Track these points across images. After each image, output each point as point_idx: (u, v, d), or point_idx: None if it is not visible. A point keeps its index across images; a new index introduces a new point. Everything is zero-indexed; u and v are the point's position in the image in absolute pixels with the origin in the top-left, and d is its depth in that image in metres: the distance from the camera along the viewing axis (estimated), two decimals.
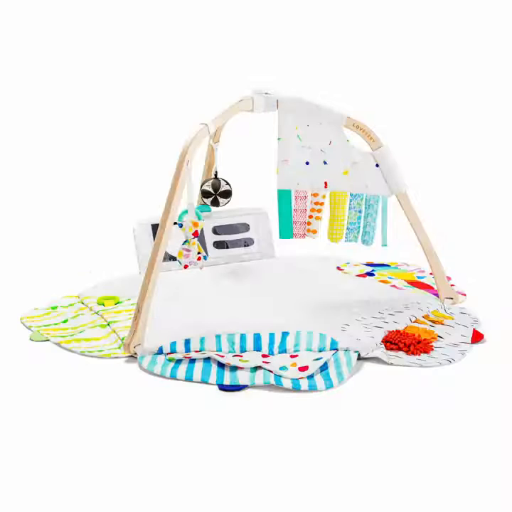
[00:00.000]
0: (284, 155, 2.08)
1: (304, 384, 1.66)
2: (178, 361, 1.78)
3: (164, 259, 2.20)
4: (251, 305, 2.08)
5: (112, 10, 3.30)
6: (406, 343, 1.83)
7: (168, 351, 1.81)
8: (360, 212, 2.06)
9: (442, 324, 1.97)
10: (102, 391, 1.68)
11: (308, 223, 2.10)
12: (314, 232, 2.11)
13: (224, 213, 2.48)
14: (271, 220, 2.51)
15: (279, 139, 2.06)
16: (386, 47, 3.27)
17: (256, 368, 1.73)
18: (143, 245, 2.36)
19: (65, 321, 2.04)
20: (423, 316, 2.01)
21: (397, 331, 1.88)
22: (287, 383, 1.65)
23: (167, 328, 1.88)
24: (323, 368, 1.73)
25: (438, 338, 1.89)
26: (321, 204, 2.09)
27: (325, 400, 1.62)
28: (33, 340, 1.93)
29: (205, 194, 2.36)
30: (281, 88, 2.06)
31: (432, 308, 2.05)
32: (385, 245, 2.05)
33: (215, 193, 2.36)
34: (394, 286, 2.24)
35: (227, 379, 1.69)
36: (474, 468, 1.37)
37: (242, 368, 1.73)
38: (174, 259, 2.14)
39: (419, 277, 2.34)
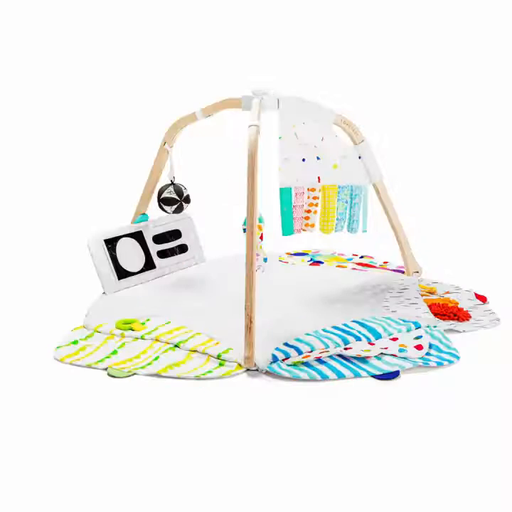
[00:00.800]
0: (284, 153, 2.11)
1: (433, 362, 1.78)
2: (305, 364, 1.75)
3: (121, 277, 2.16)
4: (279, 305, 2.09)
5: (112, 11, 3.22)
6: (453, 312, 2.04)
7: (283, 358, 1.77)
8: (346, 202, 2.19)
9: (436, 293, 2.21)
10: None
11: (307, 218, 2.16)
12: (312, 225, 2.17)
13: (157, 222, 2.38)
14: (195, 225, 2.48)
15: (280, 137, 2.08)
16: (382, 47, 3.27)
17: (380, 356, 1.79)
18: (102, 264, 2.16)
19: (114, 352, 1.82)
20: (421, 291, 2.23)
21: (437, 304, 2.08)
22: (421, 363, 1.75)
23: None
24: (430, 345, 1.86)
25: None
26: (317, 198, 2.17)
27: (324, 400, 1.63)
28: (115, 376, 1.71)
29: (167, 202, 2.24)
30: (280, 87, 2.08)
31: (415, 283, 2.28)
32: (365, 231, 2.22)
33: (180, 198, 2.25)
34: (355, 269, 2.42)
35: (364, 372, 1.73)
36: (474, 468, 1.38)
37: (369, 358, 1.78)
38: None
39: (349, 259, 2.55)
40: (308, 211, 2.15)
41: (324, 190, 2.15)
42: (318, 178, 2.13)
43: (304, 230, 2.16)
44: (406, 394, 1.65)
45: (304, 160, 2.11)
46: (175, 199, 2.24)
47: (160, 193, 2.24)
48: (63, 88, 3.25)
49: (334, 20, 3.28)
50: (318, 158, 2.12)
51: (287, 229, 2.14)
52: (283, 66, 3.04)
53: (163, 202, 2.23)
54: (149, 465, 1.39)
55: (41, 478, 1.35)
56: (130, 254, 2.24)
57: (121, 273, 2.19)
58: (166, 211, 2.25)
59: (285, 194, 2.11)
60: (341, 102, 2.16)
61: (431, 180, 3.15)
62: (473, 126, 3.29)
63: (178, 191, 2.23)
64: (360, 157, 2.19)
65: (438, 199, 3.05)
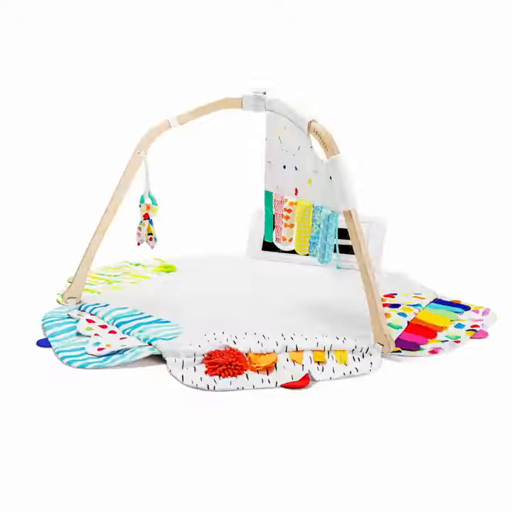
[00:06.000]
0: (268, 156, 2.05)
1: None
2: None
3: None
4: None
5: (111, 10, 3.25)
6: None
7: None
8: (319, 226, 1.90)
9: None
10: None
11: (285, 227, 2.08)
12: (290, 240, 2.06)
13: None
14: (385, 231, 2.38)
15: (265, 139, 2.04)
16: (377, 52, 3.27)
17: None
18: (255, 230, 2.50)
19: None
20: None
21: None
22: None
23: None
24: None
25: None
26: (291, 211, 2.04)
27: (322, 403, 1.63)
28: None
29: None
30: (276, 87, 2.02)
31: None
32: (339, 267, 2.09)
33: None
34: None
35: None
36: (473, 469, 1.39)
37: None
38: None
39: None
40: (285, 225, 2.06)
41: (300, 206, 1.97)
42: (296, 190, 2.00)
43: (282, 240, 2.08)
44: (402, 395, 1.63)
45: (284, 167, 2.02)
46: None
47: None
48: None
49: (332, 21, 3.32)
50: (296, 168, 1.98)
51: (268, 234, 2.13)
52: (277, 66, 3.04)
53: None
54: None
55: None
56: None
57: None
58: None
59: (267, 198, 2.07)
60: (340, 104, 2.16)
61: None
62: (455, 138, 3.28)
63: None
64: (331, 177, 1.83)
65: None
